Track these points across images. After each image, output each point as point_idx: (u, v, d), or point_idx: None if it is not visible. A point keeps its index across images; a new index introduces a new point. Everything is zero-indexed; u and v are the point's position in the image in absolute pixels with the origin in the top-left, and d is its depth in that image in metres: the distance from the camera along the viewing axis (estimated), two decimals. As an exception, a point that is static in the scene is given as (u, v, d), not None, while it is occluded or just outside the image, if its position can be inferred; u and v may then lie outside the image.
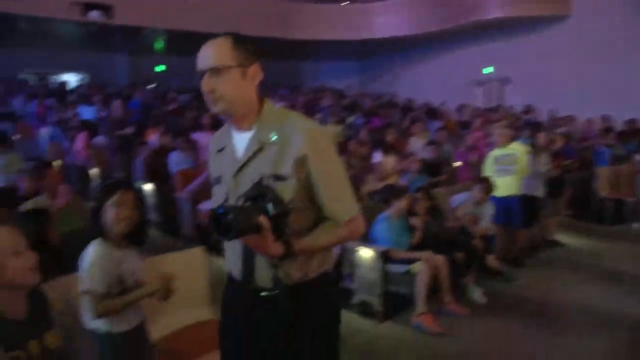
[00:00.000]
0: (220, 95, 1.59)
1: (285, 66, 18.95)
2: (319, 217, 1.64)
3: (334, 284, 1.80)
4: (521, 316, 4.19)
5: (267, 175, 1.56)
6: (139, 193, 3.23)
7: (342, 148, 6.83)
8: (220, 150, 1.75)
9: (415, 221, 4.30)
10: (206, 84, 1.58)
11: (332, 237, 1.65)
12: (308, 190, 1.60)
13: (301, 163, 1.56)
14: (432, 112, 10.81)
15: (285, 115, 1.65)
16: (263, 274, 1.62)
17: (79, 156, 8.04)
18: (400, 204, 4.18)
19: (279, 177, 1.55)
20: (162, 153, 6.77)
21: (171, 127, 8.63)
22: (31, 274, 1.56)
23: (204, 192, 5.95)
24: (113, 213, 2.07)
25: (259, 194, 1.51)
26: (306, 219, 1.62)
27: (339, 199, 1.63)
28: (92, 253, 2.05)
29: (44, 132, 10.64)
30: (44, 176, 3.73)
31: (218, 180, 1.74)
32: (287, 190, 1.55)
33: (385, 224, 4.14)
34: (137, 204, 2.15)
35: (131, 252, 2.15)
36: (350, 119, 9.91)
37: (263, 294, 1.60)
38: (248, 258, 1.63)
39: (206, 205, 5.87)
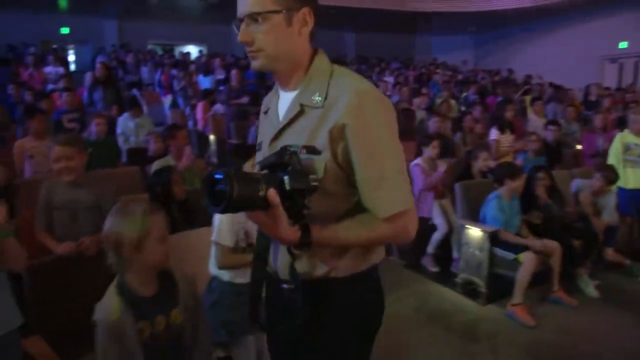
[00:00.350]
0: (260, 48, 1.27)
1: (398, 39, 18.67)
2: (359, 206, 1.30)
3: (375, 283, 1.48)
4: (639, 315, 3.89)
5: (300, 145, 1.20)
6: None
7: (457, 124, 6.68)
8: (266, 112, 1.45)
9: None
10: (242, 34, 1.27)
11: (367, 233, 1.28)
12: (345, 170, 1.26)
13: (338, 133, 1.22)
14: (556, 91, 10.12)
15: (338, 73, 1.29)
16: (281, 261, 1.37)
17: (199, 123, 8.61)
18: (514, 184, 4.02)
19: (312, 150, 1.21)
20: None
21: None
22: (166, 259, 1.72)
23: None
24: None
25: (280, 162, 1.19)
26: (339, 205, 1.29)
27: (383, 185, 1.24)
28: None
29: (167, 99, 11.50)
30: (175, 138, 4.05)
31: (259, 147, 1.44)
32: (319, 167, 1.23)
33: (496, 203, 4.00)
34: None
35: None
36: (464, 95, 9.59)
37: (281, 285, 1.36)
38: (262, 239, 1.39)
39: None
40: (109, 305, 1.59)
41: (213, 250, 2.25)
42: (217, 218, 2.21)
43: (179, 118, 9.49)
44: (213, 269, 2.29)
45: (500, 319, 3.77)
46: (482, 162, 4.57)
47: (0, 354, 1.86)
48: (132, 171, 4.35)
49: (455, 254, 4.62)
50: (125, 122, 6.10)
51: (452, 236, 4.62)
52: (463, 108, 9.34)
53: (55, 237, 2.65)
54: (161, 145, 4.72)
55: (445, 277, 4.47)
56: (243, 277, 2.26)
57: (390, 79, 11.56)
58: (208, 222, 2.36)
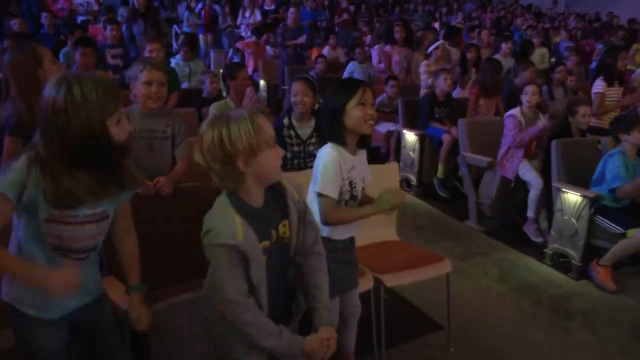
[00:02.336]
0: None
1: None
2: None
3: None
4: None
5: None
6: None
7: (546, 76, 6.57)
8: None
9: None
10: None
11: None
12: None
13: None
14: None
15: None
16: None
17: (247, 66, 8.74)
18: (638, 137, 3.92)
19: None
20: (334, 66, 7.12)
21: (341, 40, 8.95)
22: (278, 171, 1.74)
23: (381, 113, 6.20)
24: (360, 112, 2.19)
25: None
26: None
27: None
28: (328, 157, 2.21)
29: (208, 39, 11.61)
30: (235, 78, 4.16)
31: None
32: None
33: (619, 159, 3.90)
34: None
35: (360, 156, 2.35)
36: (555, 43, 9.37)
37: None
38: None
39: (382, 127, 6.13)
40: (230, 227, 1.63)
41: (316, 203, 2.24)
42: (321, 166, 2.22)
43: (222, 61, 9.65)
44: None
45: (597, 295, 3.82)
46: (582, 118, 4.51)
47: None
48: (188, 113, 4.49)
49: (543, 225, 4.62)
50: (179, 67, 6.23)
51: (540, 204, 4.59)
52: (552, 59, 9.15)
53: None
54: (217, 86, 4.85)
55: (532, 246, 4.53)
56: (341, 234, 2.33)
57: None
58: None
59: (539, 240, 4.56)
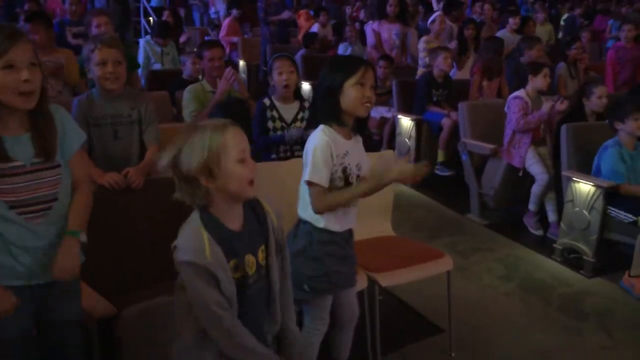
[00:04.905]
0: None
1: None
2: None
3: None
4: None
5: None
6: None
7: (555, 54, 6.60)
8: None
9: None
10: None
11: None
12: None
13: None
14: None
15: None
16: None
17: (224, 45, 8.69)
18: (636, 123, 3.95)
19: None
20: (324, 46, 7.09)
21: (329, 15, 8.94)
22: (250, 187, 1.67)
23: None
24: (358, 93, 2.21)
25: None
26: None
27: None
28: (319, 141, 2.24)
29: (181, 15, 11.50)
30: (203, 58, 4.12)
31: None
32: None
33: (615, 152, 3.97)
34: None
35: (355, 142, 2.37)
36: (565, 17, 9.41)
37: None
38: None
39: (375, 112, 6.13)
40: (198, 245, 1.61)
41: (306, 191, 2.28)
42: (310, 151, 2.24)
43: (197, 39, 9.58)
44: (303, 213, 2.34)
45: (612, 294, 3.84)
46: (598, 99, 4.52)
47: (64, 294, 2.06)
48: (160, 96, 4.45)
49: (551, 219, 4.67)
50: (150, 46, 6.20)
51: (547, 194, 4.65)
52: (560, 34, 9.20)
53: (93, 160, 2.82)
54: (200, 68, 4.82)
55: (539, 241, 4.57)
56: (339, 225, 2.34)
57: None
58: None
59: (538, 232, 4.68)
